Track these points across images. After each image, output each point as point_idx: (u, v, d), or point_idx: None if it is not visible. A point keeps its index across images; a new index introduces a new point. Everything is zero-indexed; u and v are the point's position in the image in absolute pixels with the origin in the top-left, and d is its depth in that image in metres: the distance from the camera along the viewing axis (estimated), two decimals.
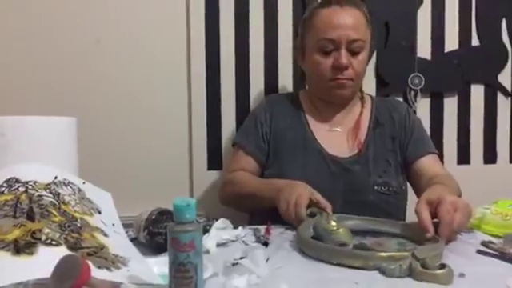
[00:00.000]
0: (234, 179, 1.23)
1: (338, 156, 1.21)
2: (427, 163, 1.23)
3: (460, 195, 1.12)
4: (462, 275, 0.71)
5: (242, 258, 0.78)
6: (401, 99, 1.55)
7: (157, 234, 0.83)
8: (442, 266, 0.70)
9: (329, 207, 0.97)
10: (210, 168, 1.51)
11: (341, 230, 0.84)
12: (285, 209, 0.98)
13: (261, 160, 1.25)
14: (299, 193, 0.99)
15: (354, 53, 1.17)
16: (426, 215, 0.87)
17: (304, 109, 1.29)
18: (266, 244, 0.89)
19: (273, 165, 1.23)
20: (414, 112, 1.54)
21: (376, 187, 1.17)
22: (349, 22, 1.15)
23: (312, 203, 0.98)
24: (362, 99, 1.30)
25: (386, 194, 1.17)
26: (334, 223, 0.85)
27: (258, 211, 1.09)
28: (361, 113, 1.28)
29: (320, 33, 1.17)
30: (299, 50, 1.28)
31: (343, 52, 1.15)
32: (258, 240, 0.92)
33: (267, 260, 0.78)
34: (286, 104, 1.30)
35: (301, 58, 1.28)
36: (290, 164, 1.20)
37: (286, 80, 1.52)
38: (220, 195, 1.30)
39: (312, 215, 0.96)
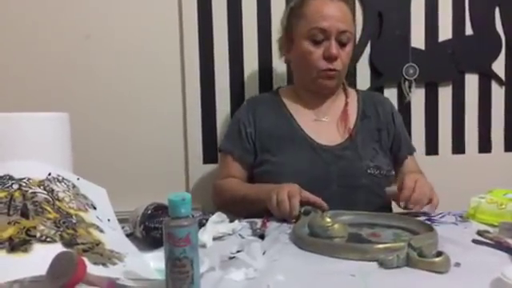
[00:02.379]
0: (222, 187, 1.25)
1: (328, 144, 1.22)
2: (406, 164, 1.32)
3: None
4: (457, 264, 0.72)
5: (238, 252, 0.78)
6: (395, 89, 1.55)
7: (153, 228, 0.83)
8: (439, 254, 0.71)
9: (319, 201, 1.01)
10: (205, 161, 1.51)
11: (336, 225, 0.85)
12: (275, 203, 1.00)
13: (249, 162, 1.26)
14: (290, 188, 1.02)
15: (341, 44, 1.21)
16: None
17: (286, 103, 1.30)
18: (262, 237, 0.89)
19: (263, 162, 1.23)
20: (409, 103, 1.55)
21: (369, 170, 1.19)
22: (338, 13, 1.20)
23: (303, 202, 1.00)
24: (345, 91, 1.33)
25: (378, 177, 1.19)
26: (328, 219, 0.85)
27: (253, 213, 1.09)
28: (346, 103, 1.30)
29: (312, 22, 1.20)
30: (284, 39, 1.29)
31: (333, 43, 1.19)
32: (254, 233, 0.92)
33: (264, 253, 0.78)
34: (268, 102, 1.31)
35: (286, 48, 1.29)
36: (282, 159, 1.20)
37: (280, 73, 1.52)
38: (213, 202, 1.31)
39: (306, 213, 0.96)
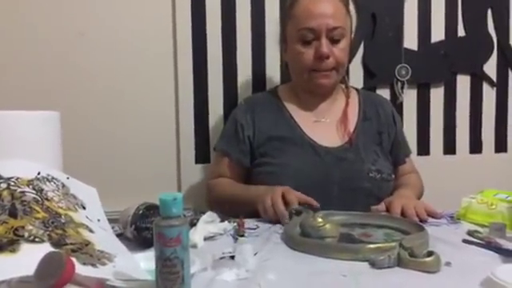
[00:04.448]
0: (215, 187, 1.25)
1: (329, 146, 1.21)
2: (403, 167, 1.33)
3: (422, 189, 1.30)
4: (448, 264, 0.72)
5: (230, 253, 0.78)
6: (388, 90, 1.56)
7: (144, 229, 0.82)
8: (430, 254, 0.71)
9: (310, 200, 1.00)
10: (197, 161, 1.50)
11: (327, 225, 0.84)
12: (263, 213, 1.01)
13: (245, 164, 1.25)
14: (272, 193, 1.01)
15: (334, 41, 1.18)
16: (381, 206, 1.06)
17: (285, 104, 1.28)
18: (242, 236, 0.90)
19: (262, 164, 1.22)
20: (401, 103, 1.55)
21: (371, 174, 1.18)
22: (328, 10, 1.16)
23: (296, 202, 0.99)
24: (346, 89, 1.31)
25: (379, 181, 1.19)
26: (320, 219, 0.85)
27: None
28: (347, 104, 1.28)
29: (300, 23, 1.17)
30: (281, 40, 1.28)
31: (323, 41, 1.16)
32: (236, 233, 0.92)
33: (255, 254, 0.78)
34: (266, 103, 1.29)
35: (284, 48, 1.29)
36: (283, 161, 1.18)
37: (273, 72, 1.51)
38: (206, 200, 1.31)
39: (298, 213, 0.96)
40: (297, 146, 1.20)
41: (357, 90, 1.37)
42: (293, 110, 1.27)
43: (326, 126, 1.25)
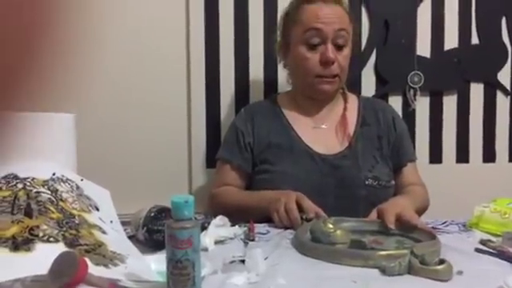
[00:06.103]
0: (220, 195, 1.25)
1: (327, 154, 1.21)
2: (406, 172, 1.28)
3: (425, 203, 1.22)
4: (460, 273, 0.72)
5: (240, 257, 0.78)
6: (400, 97, 1.55)
7: (156, 231, 0.83)
8: (441, 262, 0.71)
9: (319, 211, 1.00)
10: (208, 166, 1.51)
11: (338, 231, 0.84)
12: (278, 220, 1.01)
13: (247, 171, 1.25)
14: (286, 199, 1.01)
15: (338, 47, 1.19)
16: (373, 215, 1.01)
17: (284, 111, 1.28)
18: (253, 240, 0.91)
19: (261, 172, 1.22)
20: (413, 111, 1.54)
21: (367, 182, 1.17)
22: (333, 15, 1.19)
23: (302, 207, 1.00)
24: (343, 95, 1.31)
25: (377, 188, 1.17)
26: (330, 225, 0.85)
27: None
28: (345, 109, 1.28)
29: (307, 23, 1.19)
30: (281, 46, 1.29)
31: (330, 46, 1.17)
32: (246, 237, 0.93)
33: (265, 259, 0.78)
34: (265, 111, 1.30)
35: (283, 54, 1.30)
36: (280, 169, 1.19)
37: (285, 78, 1.51)
38: (209, 209, 1.29)
39: (308, 219, 0.96)
40: (294, 153, 1.21)
41: (358, 95, 1.36)
42: (291, 117, 1.27)
43: (324, 132, 1.25)
